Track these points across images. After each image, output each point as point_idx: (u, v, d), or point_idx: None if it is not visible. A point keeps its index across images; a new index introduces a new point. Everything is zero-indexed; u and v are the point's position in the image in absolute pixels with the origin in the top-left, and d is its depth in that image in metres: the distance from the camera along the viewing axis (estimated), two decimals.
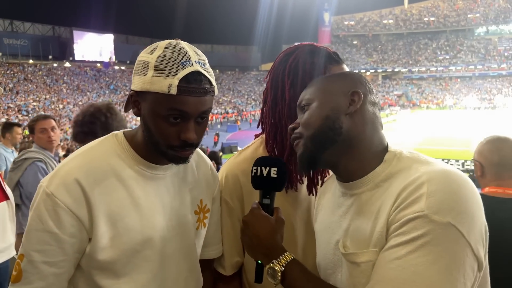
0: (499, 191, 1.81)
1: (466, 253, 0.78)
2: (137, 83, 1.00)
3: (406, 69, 77.56)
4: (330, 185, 1.15)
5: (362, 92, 0.97)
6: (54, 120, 3.26)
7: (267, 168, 1.05)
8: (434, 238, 0.77)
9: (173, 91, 0.94)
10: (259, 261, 1.03)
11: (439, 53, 78.33)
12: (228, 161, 1.39)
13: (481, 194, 1.86)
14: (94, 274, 1.04)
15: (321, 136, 0.96)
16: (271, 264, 0.96)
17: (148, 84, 0.97)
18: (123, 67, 65.85)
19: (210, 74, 1.01)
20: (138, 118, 1.06)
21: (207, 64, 1.03)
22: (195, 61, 0.98)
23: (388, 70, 79.10)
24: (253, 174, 1.08)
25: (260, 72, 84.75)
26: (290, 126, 1.02)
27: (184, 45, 1.02)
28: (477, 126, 32.92)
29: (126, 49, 70.07)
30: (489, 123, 35.47)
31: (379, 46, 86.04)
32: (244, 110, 57.87)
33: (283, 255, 0.97)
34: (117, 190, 1.03)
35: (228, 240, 1.32)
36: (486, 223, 0.86)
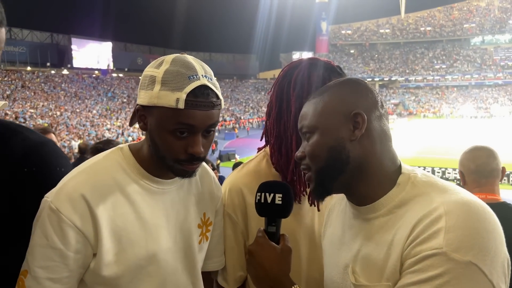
0: (481, 197, 1.88)
1: None
2: (144, 97, 1.00)
3: (403, 78, 78.00)
4: (340, 201, 1.11)
5: (365, 110, 0.90)
6: (54, 134, 3.24)
7: (271, 195, 1.01)
8: (453, 278, 0.73)
9: (181, 105, 0.95)
10: None
11: (435, 62, 78.89)
12: (231, 175, 1.40)
13: None
14: None
15: (328, 168, 0.91)
16: None
17: (155, 99, 0.97)
18: (121, 75, 65.97)
19: (216, 87, 1.01)
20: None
21: (214, 78, 1.04)
22: (202, 75, 0.98)
23: (385, 79, 79.52)
24: (257, 201, 1.04)
25: (258, 80, 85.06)
26: (297, 154, 0.98)
27: (191, 59, 1.02)
28: (473, 135, 33.06)
29: (124, 57, 70.27)
30: (485, 132, 35.66)
31: (376, 55, 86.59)
32: (242, 118, 57.93)
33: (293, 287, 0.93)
34: (122, 205, 1.03)
35: (232, 254, 1.32)
36: (509, 257, 0.80)
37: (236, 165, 6.57)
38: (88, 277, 1.03)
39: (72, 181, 1.01)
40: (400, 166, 0.94)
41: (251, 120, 56.22)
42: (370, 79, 78.64)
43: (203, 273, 1.26)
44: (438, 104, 68.16)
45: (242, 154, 24.63)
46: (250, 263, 1.00)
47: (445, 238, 0.75)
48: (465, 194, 0.83)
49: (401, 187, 0.89)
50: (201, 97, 0.96)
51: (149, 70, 1.02)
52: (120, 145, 1.12)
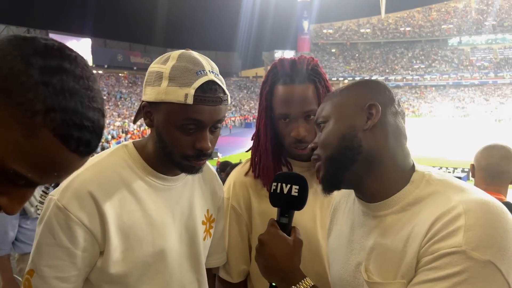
0: None
1: None
2: (151, 93, 0.99)
3: (383, 77, 79.03)
4: (346, 199, 1.09)
5: (380, 103, 0.90)
6: None
7: (288, 186, 1.00)
8: (471, 277, 0.72)
9: (190, 100, 0.94)
10: (273, 283, 0.97)
11: (414, 62, 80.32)
12: (235, 169, 1.44)
13: None
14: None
15: (339, 156, 0.90)
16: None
17: (163, 95, 0.96)
18: (100, 71, 64.79)
19: (223, 83, 1.02)
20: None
21: (219, 74, 1.04)
22: (209, 71, 0.99)
23: (365, 78, 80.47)
24: (272, 191, 1.03)
25: (241, 78, 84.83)
26: (310, 146, 0.97)
27: (197, 55, 1.02)
28: (451, 133, 33.81)
29: (104, 53, 69.02)
30: (462, 130, 36.52)
31: (357, 55, 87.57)
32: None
33: (302, 281, 0.92)
34: (129, 202, 1.02)
35: (236, 247, 1.33)
36: None
37: (221, 165, 6.53)
38: (95, 276, 1.02)
39: (78, 178, 0.99)
40: (413, 165, 0.93)
41: (233, 119, 56.06)
42: (351, 78, 79.43)
43: (206, 270, 1.25)
44: (417, 103, 69.43)
45: (224, 152, 24.47)
46: (260, 254, 0.98)
47: (465, 237, 0.74)
48: (482, 194, 0.83)
49: (415, 185, 0.88)
50: (209, 92, 0.96)
51: (155, 66, 1.01)
52: (125, 142, 1.12)
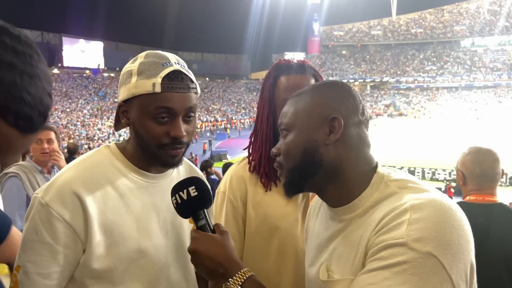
0: (479, 198, 1.95)
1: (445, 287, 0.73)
2: (123, 92, 1.05)
3: (394, 79, 78.59)
4: (317, 204, 1.11)
5: (343, 116, 0.89)
6: (55, 131, 2.99)
7: (185, 191, 0.99)
8: (412, 267, 0.73)
9: (158, 89, 1.00)
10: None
11: (426, 64, 79.61)
12: (231, 166, 1.51)
13: (462, 202, 1.96)
14: (89, 284, 1.02)
15: (300, 169, 0.92)
16: (228, 283, 0.89)
17: (133, 89, 1.02)
18: (112, 74, 65.50)
19: (190, 73, 1.06)
20: None
21: (187, 67, 1.09)
22: (175, 62, 1.04)
23: (376, 80, 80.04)
24: (175, 205, 1.01)
25: (250, 80, 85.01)
26: (273, 150, 0.99)
27: (163, 52, 1.09)
28: (463, 136, 33.39)
29: (116, 56, 69.76)
30: (475, 133, 36.04)
31: (368, 56, 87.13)
32: (233, 118, 57.90)
33: (239, 272, 0.91)
34: (112, 198, 1.04)
35: (233, 239, 1.35)
36: (474, 261, 0.80)
37: (225, 165, 6.57)
38: (78, 272, 1.02)
39: (61, 176, 1.03)
40: (376, 167, 0.94)
41: (242, 121, 56.18)
42: (361, 80, 79.09)
43: None
44: (428, 106, 68.79)
45: (233, 154, 24.63)
46: (196, 262, 0.95)
47: (407, 229, 0.76)
48: (435, 193, 0.83)
49: (374, 187, 0.89)
50: (176, 80, 1.01)
51: (126, 68, 1.08)
52: (107, 144, 1.15)
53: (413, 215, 0.77)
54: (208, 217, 1.00)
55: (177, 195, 0.99)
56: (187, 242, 1.15)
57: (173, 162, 1.08)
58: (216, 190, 1.49)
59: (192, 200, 0.98)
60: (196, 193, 0.99)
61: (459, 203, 2.03)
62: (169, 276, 1.13)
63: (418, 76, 77.32)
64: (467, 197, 1.99)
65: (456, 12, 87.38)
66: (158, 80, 1.00)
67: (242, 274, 0.91)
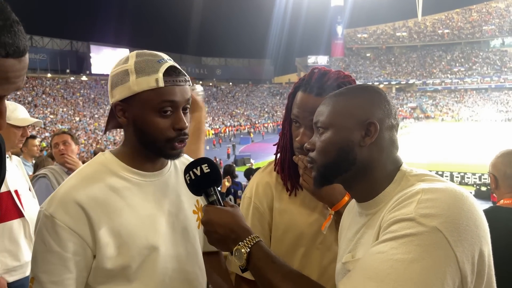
0: None
1: (449, 262, 0.76)
2: (121, 92, 1.08)
3: (420, 82, 77.02)
4: (352, 203, 1.15)
5: (378, 120, 0.94)
6: (71, 135, 3.28)
7: (198, 168, 1.06)
8: (418, 239, 0.77)
9: (161, 83, 1.04)
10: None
11: (453, 65, 77.70)
12: (257, 172, 1.52)
13: (497, 206, 1.95)
14: (105, 283, 1.07)
15: (334, 166, 0.97)
16: (238, 246, 0.98)
17: (134, 87, 1.05)
18: None
19: (181, 68, 1.13)
20: None
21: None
22: (168, 59, 1.11)
23: (402, 83, 78.66)
24: (188, 182, 1.07)
25: (273, 84, 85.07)
26: (306, 145, 1.03)
27: (151, 51, 1.14)
28: (493, 138, 32.34)
29: None
30: (505, 135, 34.83)
31: (393, 59, 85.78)
32: (257, 122, 58.05)
33: (249, 237, 0.99)
34: (114, 201, 1.07)
35: None
36: (490, 250, 0.83)
37: (247, 171, 6.57)
38: (92, 277, 1.07)
39: (62, 187, 1.07)
40: (400, 166, 0.99)
41: (266, 125, 56.21)
42: (386, 83, 77.83)
43: (204, 254, 1.31)
44: (456, 108, 67.07)
45: (257, 158, 24.62)
46: (209, 232, 1.03)
47: (416, 207, 0.81)
48: (453, 185, 0.87)
49: (396, 183, 0.95)
50: (174, 75, 1.07)
51: (117, 69, 1.10)
52: (101, 152, 1.19)
53: (423, 196, 0.82)
54: (217, 194, 1.07)
55: (190, 172, 1.06)
56: (195, 233, 1.24)
57: (177, 154, 1.13)
58: (242, 195, 1.50)
59: (204, 177, 1.06)
60: (208, 170, 1.06)
61: (493, 207, 1.98)
62: (181, 267, 1.17)
63: (446, 77, 75.55)
64: (501, 201, 1.93)
65: (484, 12, 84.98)
66: (160, 75, 1.04)
67: (252, 238, 0.99)
